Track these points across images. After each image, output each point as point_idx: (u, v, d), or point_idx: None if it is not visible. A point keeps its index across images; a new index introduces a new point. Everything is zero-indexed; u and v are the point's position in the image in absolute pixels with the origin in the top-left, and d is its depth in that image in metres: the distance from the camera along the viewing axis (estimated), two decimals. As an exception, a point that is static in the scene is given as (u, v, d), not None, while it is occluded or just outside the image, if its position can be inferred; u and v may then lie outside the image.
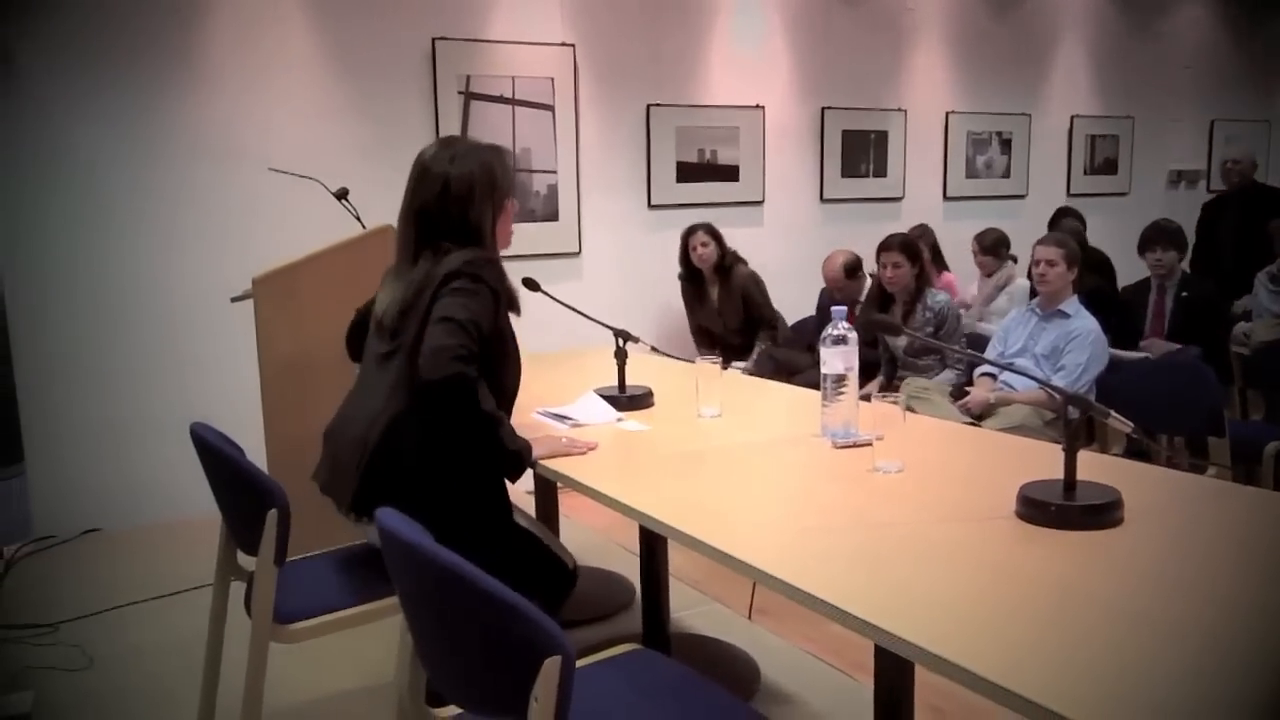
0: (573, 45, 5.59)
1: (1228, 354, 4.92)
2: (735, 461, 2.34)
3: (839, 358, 2.34)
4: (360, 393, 2.41)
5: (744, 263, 5.46)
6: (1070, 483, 1.78)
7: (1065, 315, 4.12)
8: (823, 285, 5.69)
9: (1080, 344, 4.03)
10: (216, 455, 2.32)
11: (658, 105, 5.90)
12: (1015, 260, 5.79)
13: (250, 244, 4.69)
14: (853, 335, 2.34)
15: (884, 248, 4.44)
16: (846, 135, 6.54)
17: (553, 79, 5.56)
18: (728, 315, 5.42)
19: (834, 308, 2.38)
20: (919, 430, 2.54)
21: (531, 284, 2.90)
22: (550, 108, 5.57)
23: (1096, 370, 4.05)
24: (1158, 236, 4.84)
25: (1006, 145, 7.31)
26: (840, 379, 2.35)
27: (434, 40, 5.20)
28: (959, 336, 4.52)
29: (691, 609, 3.62)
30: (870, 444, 2.22)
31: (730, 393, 2.87)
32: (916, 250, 4.43)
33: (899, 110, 6.77)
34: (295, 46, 4.88)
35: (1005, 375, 4.15)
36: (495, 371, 2.28)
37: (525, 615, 1.37)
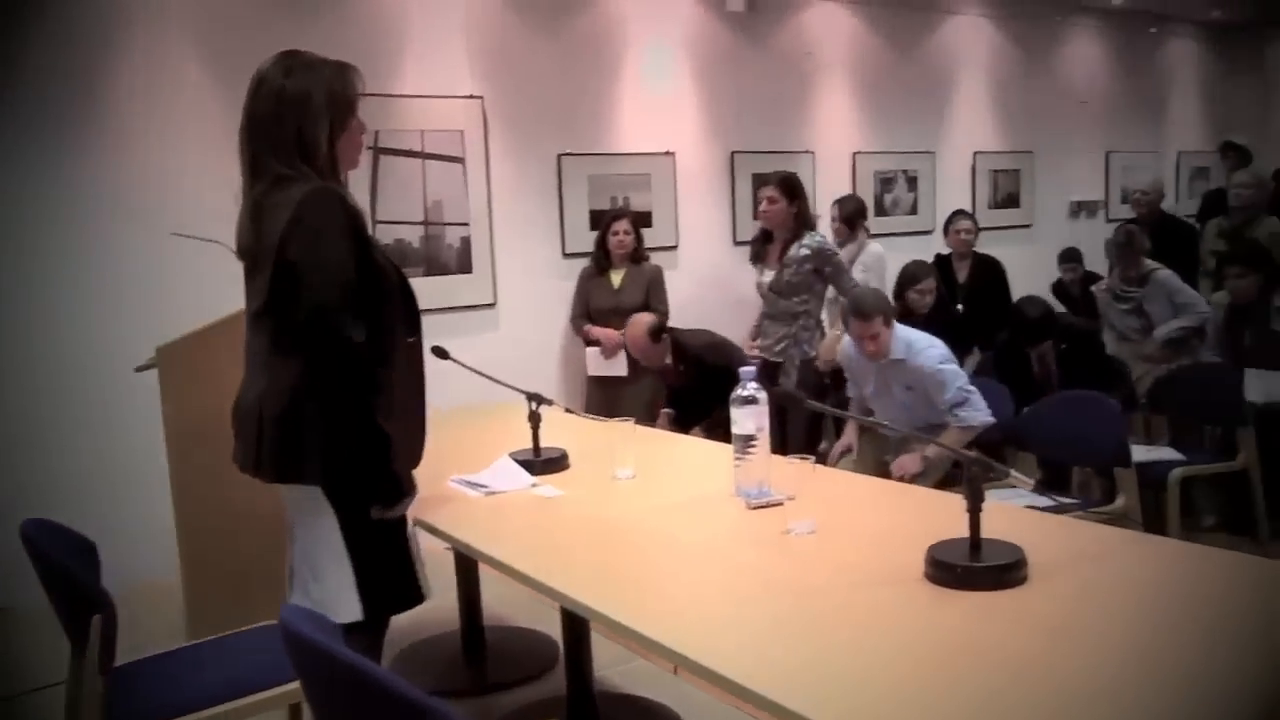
0: (481, 97, 5.60)
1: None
2: (651, 527, 2.33)
3: (749, 418, 2.35)
4: (248, 358, 2.31)
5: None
6: (975, 542, 1.81)
7: (901, 361, 4.05)
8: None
9: (936, 380, 3.99)
10: (43, 557, 2.17)
11: (569, 154, 5.93)
12: (868, 232, 5.89)
13: (154, 309, 4.56)
14: (763, 395, 2.36)
15: (762, 182, 4.54)
16: (757, 179, 6.62)
17: (462, 131, 5.55)
18: (627, 294, 5.39)
19: (743, 369, 2.40)
20: (832, 486, 2.56)
21: (440, 352, 2.88)
22: (460, 160, 5.56)
23: (964, 378, 4.07)
24: (1070, 256, 4.89)
25: (913, 183, 7.48)
26: (749, 439, 2.36)
27: (340, 96, 5.16)
28: (847, 278, 4.57)
29: (618, 666, 3.59)
30: (782, 504, 2.23)
31: (645, 451, 2.87)
32: (796, 188, 4.50)
33: (807, 152, 6.89)
34: (203, 107, 4.80)
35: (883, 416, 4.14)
36: (378, 316, 2.19)
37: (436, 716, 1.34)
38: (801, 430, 4.45)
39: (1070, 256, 6.43)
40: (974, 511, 1.79)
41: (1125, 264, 5.27)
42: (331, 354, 2.07)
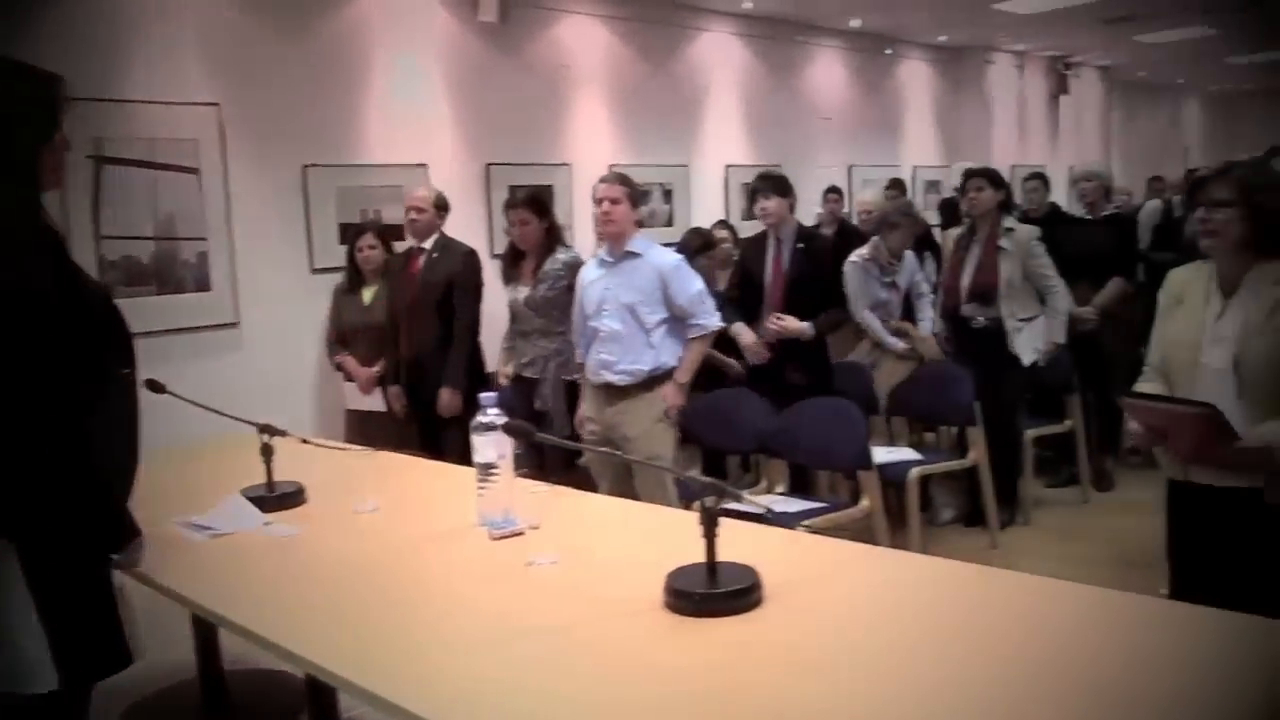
0: (217, 104, 5.27)
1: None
2: (391, 566, 2.21)
3: (490, 445, 2.28)
4: None
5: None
6: (712, 567, 1.81)
7: (636, 255, 3.92)
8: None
9: (678, 275, 3.90)
10: None
11: (315, 165, 5.67)
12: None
13: None
14: (502, 420, 2.29)
15: (509, 205, 4.50)
16: (510, 200, 6.54)
17: (197, 140, 5.21)
18: (379, 310, 5.04)
19: (483, 395, 2.32)
20: (576, 511, 2.52)
21: (155, 386, 2.64)
22: (196, 170, 5.21)
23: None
24: (761, 185, 4.79)
25: (668, 195, 7.62)
26: (490, 467, 2.29)
27: (54, 101, 4.72)
28: None
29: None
30: (523, 533, 2.17)
31: (391, 481, 2.75)
32: (544, 205, 4.50)
33: (564, 164, 6.89)
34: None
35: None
36: (82, 347, 1.94)
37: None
38: (560, 450, 4.40)
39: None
40: (709, 537, 1.78)
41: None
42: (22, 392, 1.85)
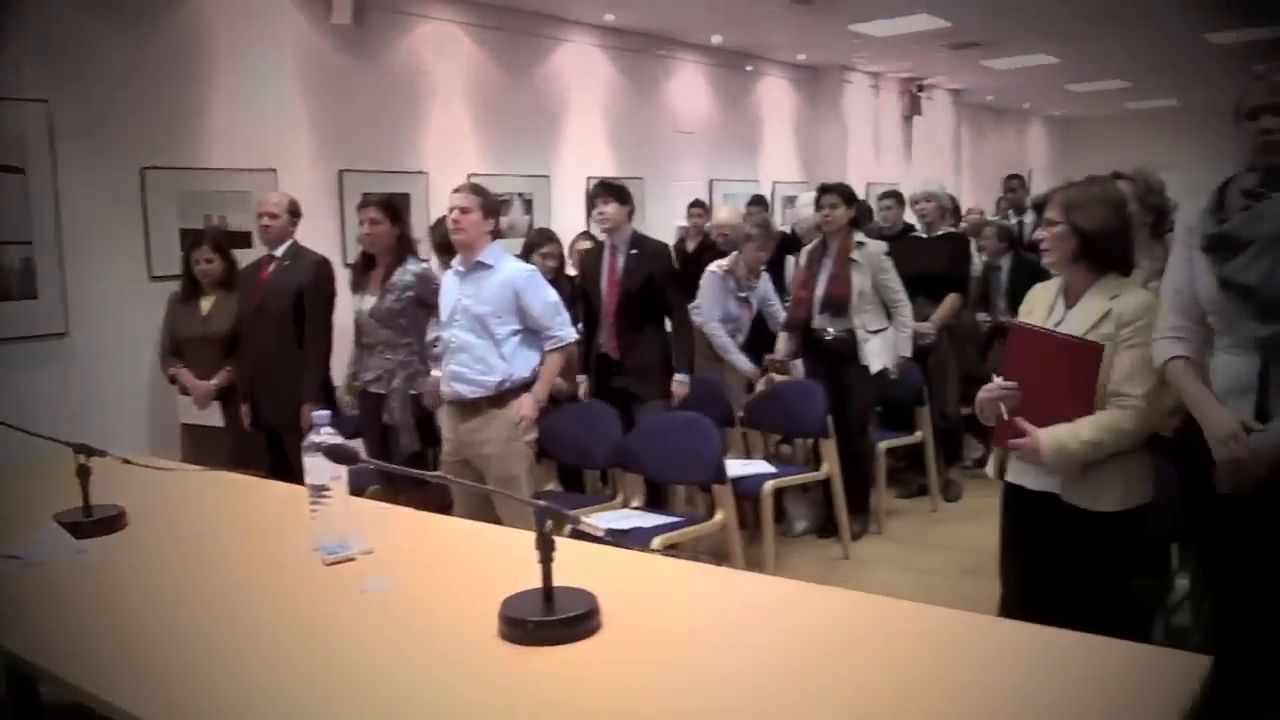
0: (46, 100, 4.97)
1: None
2: (217, 595, 2.07)
3: (322, 466, 2.17)
4: None
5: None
6: (548, 594, 1.75)
7: (488, 266, 3.84)
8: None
9: (532, 285, 3.86)
10: None
11: (154, 168, 5.41)
12: None
13: None
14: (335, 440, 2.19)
15: (362, 205, 4.37)
16: (364, 200, 6.37)
17: (23, 137, 4.90)
18: (216, 321, 4.77)
19: (316, 413, 2.22)
20: (415, 533, 2.43)
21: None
22: (21, 170, 4.90)
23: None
24: (599, 191, 4.79)
25: (528, 205, 7.55)
26: (322, 489, 2.19)
27: None
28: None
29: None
30: (354, 559, 2.08)
31: (221, 501, 2.61)
32: (397, 211, 4.39)
33: (421, 173, 6.75)
34: None
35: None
36: None
37: None
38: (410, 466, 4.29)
39: None
40: (545, 562, 1.73)
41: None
42: None
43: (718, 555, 4.78)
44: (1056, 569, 2.71)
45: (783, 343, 5.30)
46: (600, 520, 4.15)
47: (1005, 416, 2.67)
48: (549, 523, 1.70)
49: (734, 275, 5.45)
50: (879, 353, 5.03)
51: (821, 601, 1.96)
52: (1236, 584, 2.51)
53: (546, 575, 1.74)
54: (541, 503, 1.74)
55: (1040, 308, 2.83)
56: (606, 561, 2.12)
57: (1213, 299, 2.44)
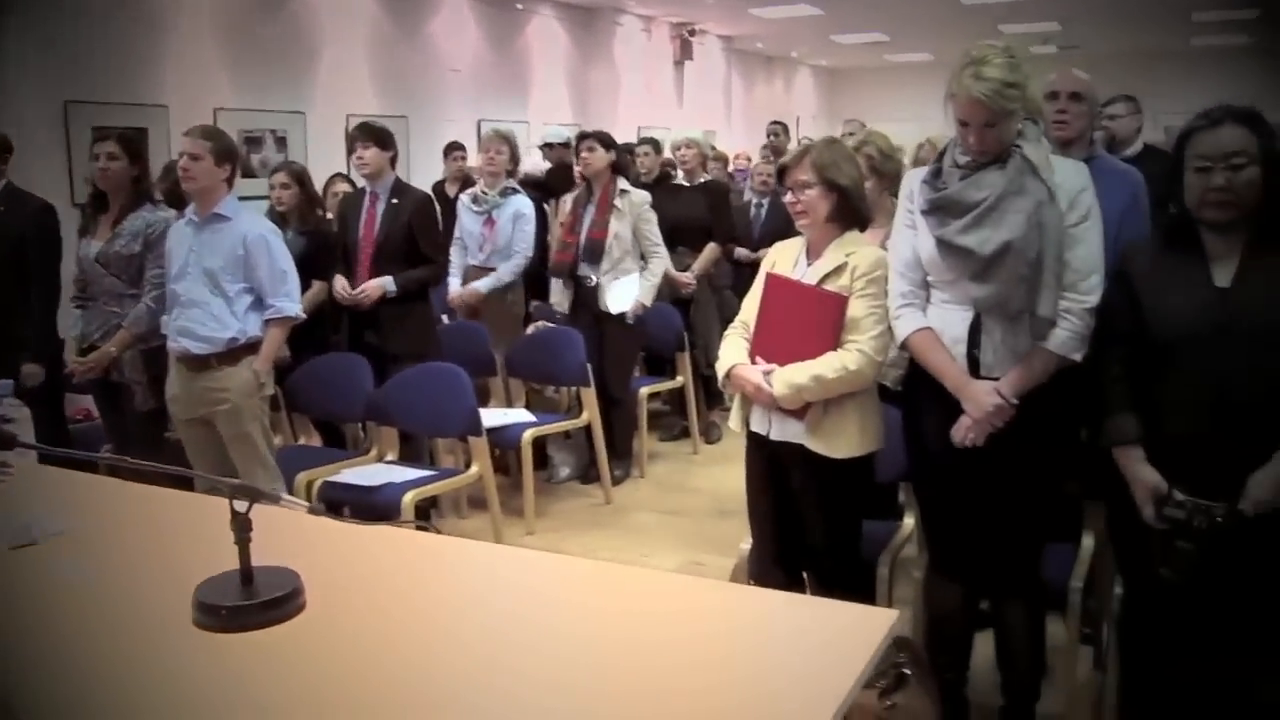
0: None
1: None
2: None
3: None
4: None
5: None
6: (247, 576, 1.66)
7: (225, 219, 3.60)
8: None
9: (264, 246, 3.62)
10: None
11: None
12: None
13: None
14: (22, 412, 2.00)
15: (98, 138, 4.01)
16: (100, 133, 5.88)
17: None
18: None
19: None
20: (115, 505, 2.25)
21: None
22: None
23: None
24: (359, 135, 4.59)
25: (282, 143, 7.17)
26: (3, 466, 1.99)
27: None
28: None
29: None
30: (36, 543, 1.91)
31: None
32: (137, 149, 4.07)
33: (161, 106, 6.27)
34: None
35: None
36: None
37: None
38: (147, 427, 4.02)
39: None
40: (242, 543, 1.63)
41: None
42: None
43: (477, 505, 4.75)
44: (798, 512, 2.84)
45: (556, 289, 5.26)
46: (353, 475, 4.02)
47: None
48: (244, 502, 1.60)
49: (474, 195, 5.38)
50: (618, 297, 5.05)
51: (535, 567, 1.95)
52: (953, 523, 2.69)
53: (244, 557, 1.64)
54: (235, 481, 1.64)
55: (785, 262, 2.91)
56: (307, 535, 1.98)
57: (933, 260, 2.57)
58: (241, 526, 1.61)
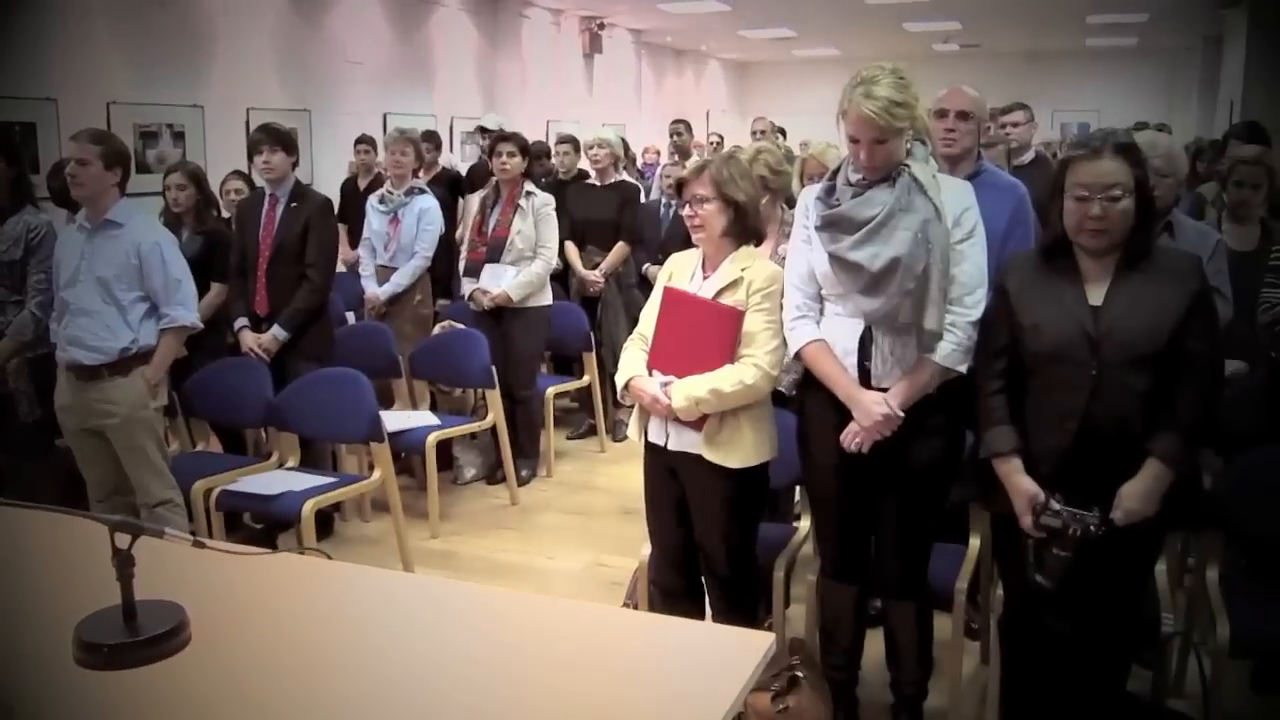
0: None
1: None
2: None
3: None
4: None
5: None
6: (129, 611, 1.63)
7: (117, 225, 3.48)
8: None
9: (155, 255, 3.51)
10: None
11: None
12: None
13: None
14: None
15: None
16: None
17: None
18: None
19: None
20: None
21: None
22: None
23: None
24: (263, 138, 4.44)
25: (179, 138, 6.99)
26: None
27: None
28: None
29: None
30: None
31: None
32: (14, 148, 3.94)
33: (48, 100, 6.06)
34: None
35: None
36: None
37: None
38: (33, 436, 3.91)
39: None
40: (124, 580, 1.61)
41: None
42: None
43: (381, 507, 4.70)
44: (693, 519, 2.90)
45: (466, 287, 5.22)
46: (252, 483, 3.96)
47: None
48: (126, 537, 1.58)
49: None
50: (493, 279, 5.03)
51: (426, 593, 1.97)
52: (843, 527, 2.82)
53: (126, 594, 1.62)
54: (115, 517, 1.61)
55: (681, 274, 2.95)
56: (192, 567, 1.89)
57: (826, 274, 2.64)
58: (124, 563, 1.59)
